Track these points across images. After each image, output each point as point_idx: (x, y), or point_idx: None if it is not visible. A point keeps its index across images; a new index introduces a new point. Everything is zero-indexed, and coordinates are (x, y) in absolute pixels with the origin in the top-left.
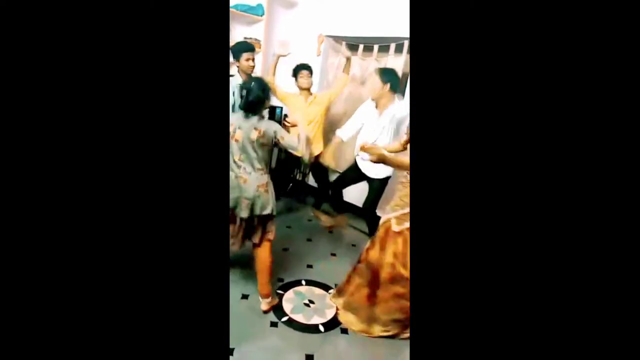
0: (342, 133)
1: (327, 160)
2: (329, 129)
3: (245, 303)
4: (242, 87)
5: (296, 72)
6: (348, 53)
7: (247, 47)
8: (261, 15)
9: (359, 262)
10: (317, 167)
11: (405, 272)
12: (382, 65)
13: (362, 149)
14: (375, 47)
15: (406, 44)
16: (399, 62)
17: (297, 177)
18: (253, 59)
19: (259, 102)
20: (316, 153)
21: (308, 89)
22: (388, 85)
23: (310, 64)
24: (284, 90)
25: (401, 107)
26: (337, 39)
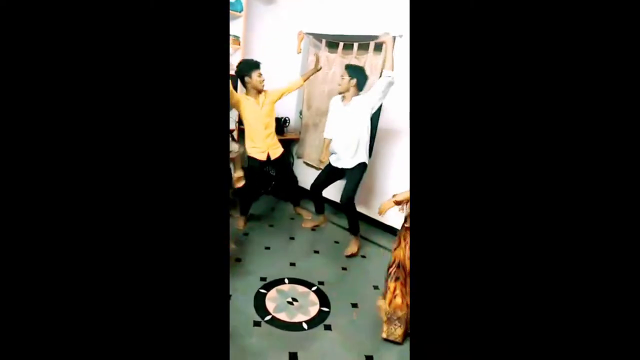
0: (328, 134)
1: (324, 159)
2: (311, 123)
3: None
4: None
5: (249, 71)
6: (316, 54)
7: None
8: (240, 11)
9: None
10: (280, 164)
11: None
12: (362, 63)
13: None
14: (355, 45)
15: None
16: (378, 60)
17: (272, 172)
18: None
19: None
20: (276, 156)
21: (261, 91)
22: (354, 80)
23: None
24: (237, 93)
25: (364, 98)
26: (317, 36)
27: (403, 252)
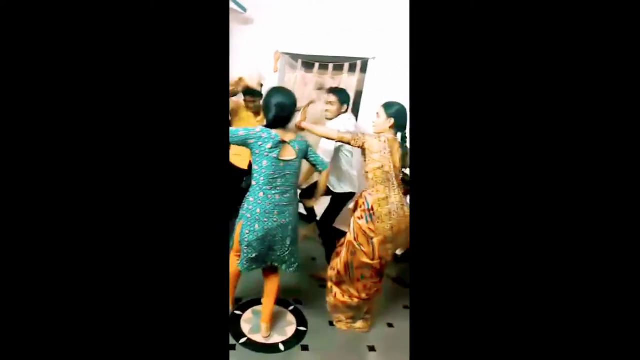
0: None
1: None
2: None
3: None
4: None
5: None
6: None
7: None
8: None
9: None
10: None
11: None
12: (336, 83)
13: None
14: (330, 65)
15: (359, 63)
16: (352, 81)
17: None
18: None
19: None
20: None
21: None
22: (345, 105)
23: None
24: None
25: (348, 120)
26: (294, 56)
27: (340, 261)
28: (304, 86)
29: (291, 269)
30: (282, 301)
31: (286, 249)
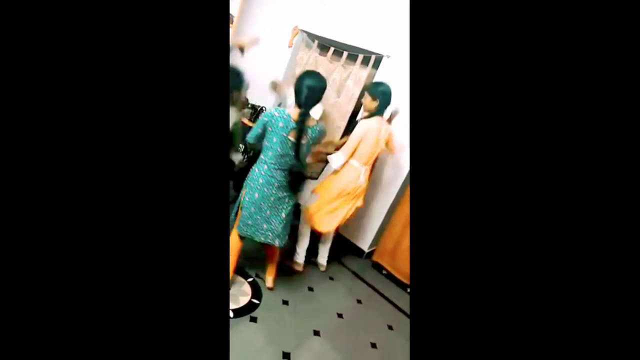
0: None
1: None
2: None
3: None
4: None
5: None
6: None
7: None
8: None
9: None
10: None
11: None
12: (347, 73)
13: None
14: (345, 53)
15: (373, 58)
16: (363, 74)
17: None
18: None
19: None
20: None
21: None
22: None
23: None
24: None
25: None
26: (311, 36)
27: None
28: (315, 68)
29: (283, 242)
30: (242, 271)
31: (281, 222)
